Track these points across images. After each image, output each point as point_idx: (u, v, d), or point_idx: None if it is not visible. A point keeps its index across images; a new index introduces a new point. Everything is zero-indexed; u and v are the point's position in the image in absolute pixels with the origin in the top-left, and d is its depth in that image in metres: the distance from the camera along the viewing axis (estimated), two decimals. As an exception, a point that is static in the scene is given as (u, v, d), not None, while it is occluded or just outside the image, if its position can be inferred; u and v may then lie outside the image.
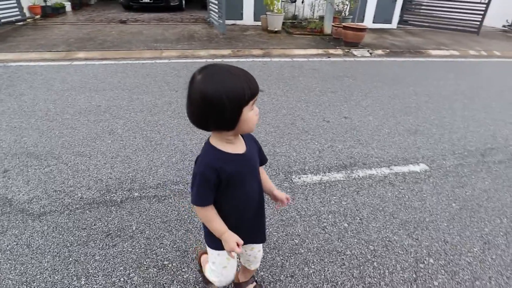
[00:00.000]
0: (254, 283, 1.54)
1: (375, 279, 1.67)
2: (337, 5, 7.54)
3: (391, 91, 4.45)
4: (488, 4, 8.90)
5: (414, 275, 1.70)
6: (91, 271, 1.59)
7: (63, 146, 2.69)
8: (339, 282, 1.63)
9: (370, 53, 6.51)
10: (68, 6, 10.02)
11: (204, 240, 1.26)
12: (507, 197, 2.38)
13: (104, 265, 1.63)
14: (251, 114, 0.93)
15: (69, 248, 1.72)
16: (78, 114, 3.28)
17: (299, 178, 2.45)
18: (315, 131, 3.19)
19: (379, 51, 6.77)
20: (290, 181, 2.41)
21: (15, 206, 1.99)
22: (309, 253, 1.79)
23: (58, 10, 9.23)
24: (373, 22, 9.46)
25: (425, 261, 1.79)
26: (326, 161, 2.69)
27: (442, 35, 9.17)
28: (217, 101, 0.87)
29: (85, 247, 1.73)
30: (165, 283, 1.56)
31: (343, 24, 6.77)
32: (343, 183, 2.43)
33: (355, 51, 6.47)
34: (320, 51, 6.40)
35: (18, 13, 7.73)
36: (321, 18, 8.04)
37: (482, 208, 2.24)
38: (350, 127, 3.31)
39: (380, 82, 4.80)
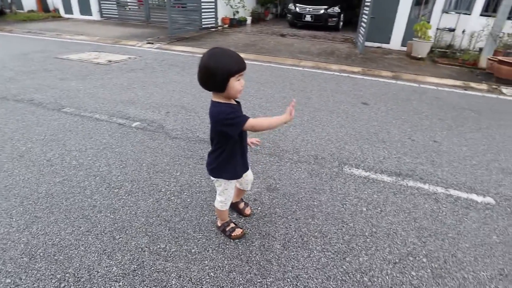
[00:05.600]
0: (244, 201, 2.26)
1: (358, 249, 2.00)
2: (500, 38, 6.66)
3: (519, 133, 3.95)
4: None
5: (397, 259, 1.95)
6: (185, 170, 2.70)
7: (201, 107, 4.05)
8: (328, 236, 2.10)
9: (528, 94, 5.57)
10: (248, 20, 12.67)
11: (216, 178, 1.77)
12: None
13: (191, 171, 2.70)
14: (236, 83, 1.43)
15: (179, 156, 2.90)
16: (218, 92, 4.68)
17: (349, 169, 2.88)
18: (392, 144, 3.42)
19: (545, 94, 5.67)
20: (340, 169, 2.88)
21: (164, 130, 3.40)
22: (319, 213, 2.31)
23: (241, 22, 11.88)
24: None
25: (417, 258, 1.96)
26: (384, 166, 2.97)
27: None
28: (213, 70, 1.38)
29: (187, 159, 2.87)
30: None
31: (498, 58, 6.01)
32: (386, 184, 2.71)
33: (505, 89, 5.68)
34: (458, 82, 5.96)
35: (213, 22, 10.53)
36: (481, 50, 7.25)
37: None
38: (433, 150, 3.34)
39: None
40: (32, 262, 1.80)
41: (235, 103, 1.61)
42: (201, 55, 1.45)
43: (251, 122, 1.48)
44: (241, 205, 2.25)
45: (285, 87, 5.19)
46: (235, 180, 1.85)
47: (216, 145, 1.68)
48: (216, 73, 1.39)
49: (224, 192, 1.85)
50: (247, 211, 2.24)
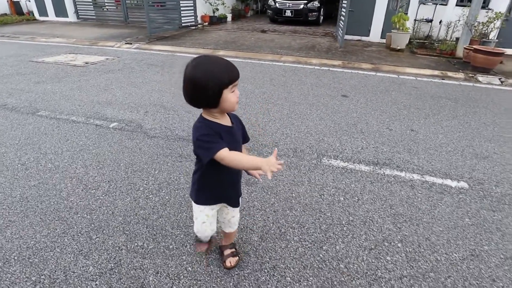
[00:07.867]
0: (233, 249, 1.83)
1: (335, 238, 2.04)
2: (476, 27, 6.83)
3: (492, 119, 4.06)
4: None
5: (373, 245, 1.99)
6: (163, 168, 2.68)
7: (181, 106, 4.02)
8: (305, 226, 2.12)
9: (502, 82, 5.74)
10: (229, 17, 12.62)
11: (191, 197, 1.55)
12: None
13: (170, 168, 2.69)
14: (230, 95, 1.18)
15: (158, 155, 2.88)
16: (198, 89, 4.67)
17: (328, 161, 2.92)
18: (370, 134, 3.47)
19: (517, 81, 5.85)
20: (318, 160, 2.91)
21: (142, 129, 3.36)
22: (297, 204, 2.33)
23: (221, 20, 11.80)
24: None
25: (392, 243, 2.01)
26: (362, 156, 3.02)
27: None
28: (202, 83, 1.13)
29: (166, 157, 2.85)
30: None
31: (473, 46, 6.17)
32: (364, 173, 2.75)
33: (481, 77, 5.84)
34: (436, 72, 6.10)
35: (193, 20, 10.44)
36: (458, 40, 7.42)
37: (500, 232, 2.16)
38: (410, 139, 3.41)
39: (486, 109, 4.39)
40: (6, 266, 1.77)
41: (230, 123, 1.34)
42: (184, 67, 1.19)
43: (222, 154, 1.20)
44: (226, 251, 1.82)
45: (265, 82, 5.20)
46: (207, 208, 1.53)
47: (195, 160, 1.47)
48: (206, 87, 1.14)
49: (195, 221, 1.58)
50: (227, 262, 1.78)
